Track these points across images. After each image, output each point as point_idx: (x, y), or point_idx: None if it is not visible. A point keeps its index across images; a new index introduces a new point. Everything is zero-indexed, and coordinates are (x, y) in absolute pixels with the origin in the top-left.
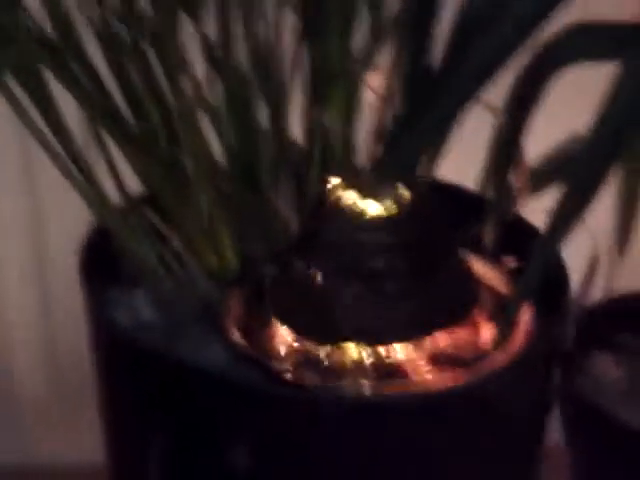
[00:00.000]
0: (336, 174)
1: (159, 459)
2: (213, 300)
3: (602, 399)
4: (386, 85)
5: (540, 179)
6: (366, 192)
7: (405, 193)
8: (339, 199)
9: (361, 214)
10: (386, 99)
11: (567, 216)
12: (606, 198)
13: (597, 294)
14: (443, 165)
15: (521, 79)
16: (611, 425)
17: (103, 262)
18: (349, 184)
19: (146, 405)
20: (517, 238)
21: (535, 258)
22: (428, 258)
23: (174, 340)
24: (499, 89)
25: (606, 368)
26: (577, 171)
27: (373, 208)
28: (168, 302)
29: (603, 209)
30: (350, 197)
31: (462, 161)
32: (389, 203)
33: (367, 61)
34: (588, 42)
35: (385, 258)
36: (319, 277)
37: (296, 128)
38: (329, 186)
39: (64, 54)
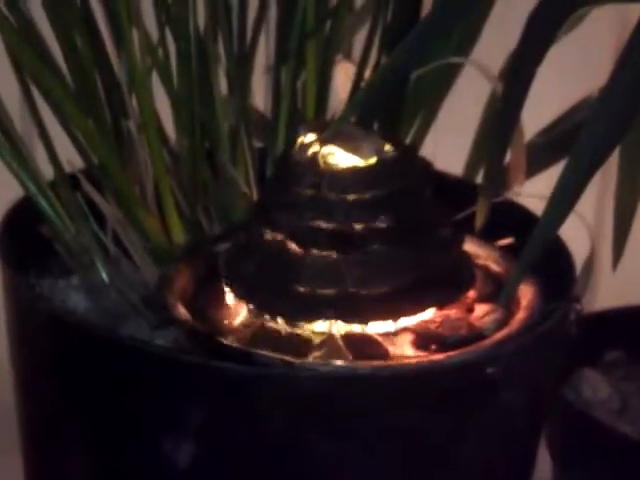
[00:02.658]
0: (310, 129)
1: (88, 452)
2: (157, 282)
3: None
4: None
5: (540, 156)
6: (344, 143)
7: (388, 147)
8: (311, 154)
9: (335, 167)
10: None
11: (571, 188)
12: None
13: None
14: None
15: (530, 24)
16: (610, 437)
17: (29, 244)
18: (326, 138)
19: (76, 392)
20: (508, 223)
21: (536, 232)
22: (416, 223)
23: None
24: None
25: (596, 387)
26: (590, 129)
27: (351, 161)
28: (104, 292)
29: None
30: (326, 151)
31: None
32: (369, 155)
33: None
34: None
35: (365, 218)
36: (283, 242)
37: (258, 93)
38: (300, 142)
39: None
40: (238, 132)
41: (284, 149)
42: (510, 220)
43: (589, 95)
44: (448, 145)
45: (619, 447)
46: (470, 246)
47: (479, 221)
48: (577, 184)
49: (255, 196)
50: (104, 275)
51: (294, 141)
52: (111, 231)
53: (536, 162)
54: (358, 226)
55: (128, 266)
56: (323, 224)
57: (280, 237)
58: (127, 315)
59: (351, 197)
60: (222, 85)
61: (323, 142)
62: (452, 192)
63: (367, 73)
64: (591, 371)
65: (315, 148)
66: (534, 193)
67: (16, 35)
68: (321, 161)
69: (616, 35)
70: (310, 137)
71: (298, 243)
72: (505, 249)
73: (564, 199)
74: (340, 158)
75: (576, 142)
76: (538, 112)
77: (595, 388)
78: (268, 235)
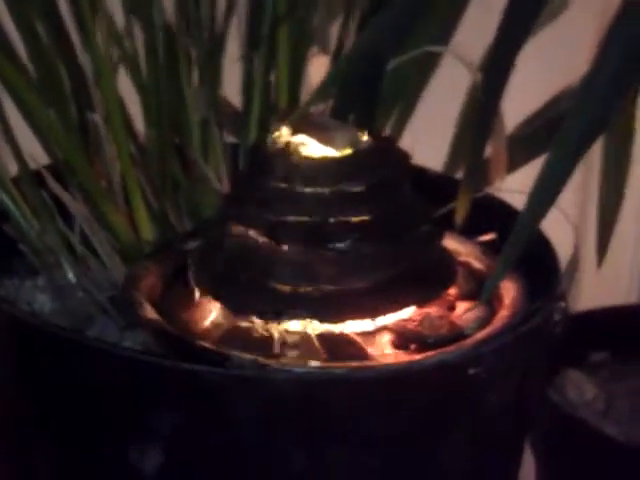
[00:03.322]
0: (282, 120)
1: (54, 458)
2: (124, 281)
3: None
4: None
5: (521, 149)
6: (318, 133)
7: (364, 137)
8: (284, 145)
9: (309, 158)
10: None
11: (554, 179)
12: None
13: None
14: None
15: (509, 12)
16: (595, 439)
17: None
18: (298, 126)
19: (41, 396)
20: (489, 218)
21: (518, 226)
22: (394, 216)
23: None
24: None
25: (581, 388)
26: (573, 117)
27: (325, 152)
28: (71, 292)
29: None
30: (299, 141)
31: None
32: (344, 146)
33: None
34: None
35: (339, 212)
36: (255, 238)
37: (229, 85)
38: (272, 132)
39: None
40: (209, 125)
41: (256, 140)
42: (490, 215)
43: (569, 85)
44: (426, 139)
45: (604, 449)
46: (450, 242)
47: (459, 217)
48: (560, 175)
49: (225, 192)
50: (71, 275)
51: (267, 132)
52: (78, 229)
53: (517, 156)
54: (333, 220)
55: (96, 265)
56: (296, 219)
57: (252, 233)
58: (94, 316)
59: (326, 190)
60: (192, 76)
61: (295, 132)
62: (431, 187)
63: None
64: (576, 372)
65: (288, 139)
66: (515, 188)
67: None
68: (294, 152)
69: (596, 23)
70: (283, 127)
71: (271, 239)
72: (487, 245)
73: (547, 191)
74: (314, 149)
75: (559, 131)
76: (518, 104)
77: (580, 389)
78: (239, 231)
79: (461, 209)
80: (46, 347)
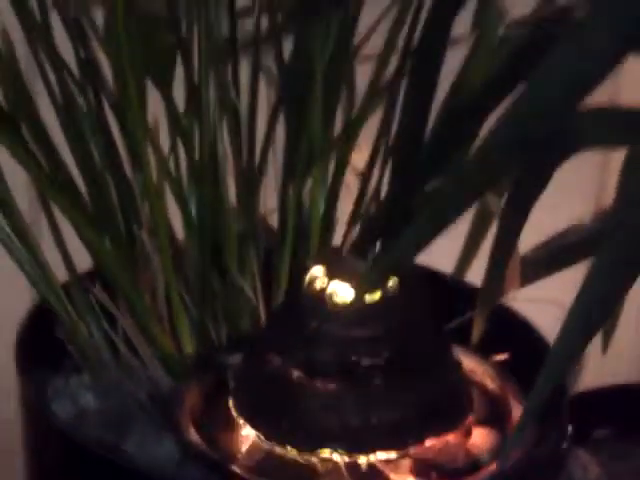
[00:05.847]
0: (318, 261)
1: None
2: (166, 391)
3: None
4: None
5: (534, 268)
6: (356, 285)
7: (392, 281)
8: (319, 287)
9: (342, 303)
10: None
11: (587, 321)
12: None
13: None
14: None
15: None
16: None
17: (43, 345)
18: (334, 273)
19: None
20: (503, 330)
21: (542, 377)
22: (417, 354)
23: (119, 435)
24: None
25: (586, 467)
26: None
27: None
28: (114, 391)
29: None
30: (333, 288)
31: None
32: (375, 290)
33: (352, 138)
34: (601, 128)
35: (368, 353)
36: (290, 372)
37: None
38: (309, 273)
39: (16, 120)
40: (246, 242)
41: (294, 279)
42: (501, 326)
43: (577, 221)
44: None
45: None
46: (466, 360)
47: (476, 334)
48: (595, 319)
49: (261, 304)
50: (114, 376)
51: (301, 270)
52: (122, 332)
53: (528, 274)
54: (363, 361)
55: (136, 363)
56: (328, 357)
57: (287, 365)
58: (136, 415)
59: (355, 332)
60: (231, 194)
61: (329, 274)
62: (441, 290)
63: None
64: (581, 451)
65: (322, 283)
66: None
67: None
68: (328, 299)
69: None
70: (318, 270)
71: (305, 374)
72: (501, 365)
73: (577, 335)
74: (346, 293)
75: (595, 262)
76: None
77: (585, 468)
78: (276, 362)
79: (478, 327)
80: (84, 460)
